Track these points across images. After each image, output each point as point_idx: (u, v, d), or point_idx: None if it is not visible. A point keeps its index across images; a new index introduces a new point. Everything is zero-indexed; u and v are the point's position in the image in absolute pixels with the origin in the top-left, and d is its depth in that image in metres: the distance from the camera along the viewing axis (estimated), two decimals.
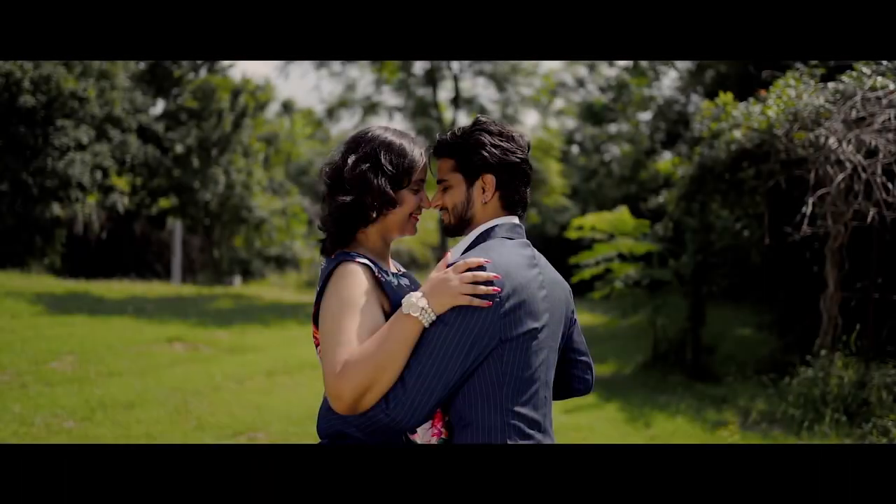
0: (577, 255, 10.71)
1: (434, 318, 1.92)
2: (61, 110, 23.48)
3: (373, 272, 2.08)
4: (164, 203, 27.72)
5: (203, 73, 30.00)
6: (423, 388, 1.88)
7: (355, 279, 2.03)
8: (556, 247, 22.66)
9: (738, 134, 8.65)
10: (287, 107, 42.41)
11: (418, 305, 1.91)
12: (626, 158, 23.65)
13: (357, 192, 2.12)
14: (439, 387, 1.89)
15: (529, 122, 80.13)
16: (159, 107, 29.89)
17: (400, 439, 2.01)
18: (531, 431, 1.99)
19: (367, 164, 2.13)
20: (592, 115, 26.94)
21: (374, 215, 2.15)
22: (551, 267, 2.21)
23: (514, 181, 2.15)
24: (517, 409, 1.98)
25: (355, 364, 1.88)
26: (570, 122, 30.58)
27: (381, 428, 1.90)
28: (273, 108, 39.94)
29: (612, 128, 26.25)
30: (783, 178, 8.42)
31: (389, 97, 21.59)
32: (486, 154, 2.11)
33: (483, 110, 20.97)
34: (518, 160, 2.13)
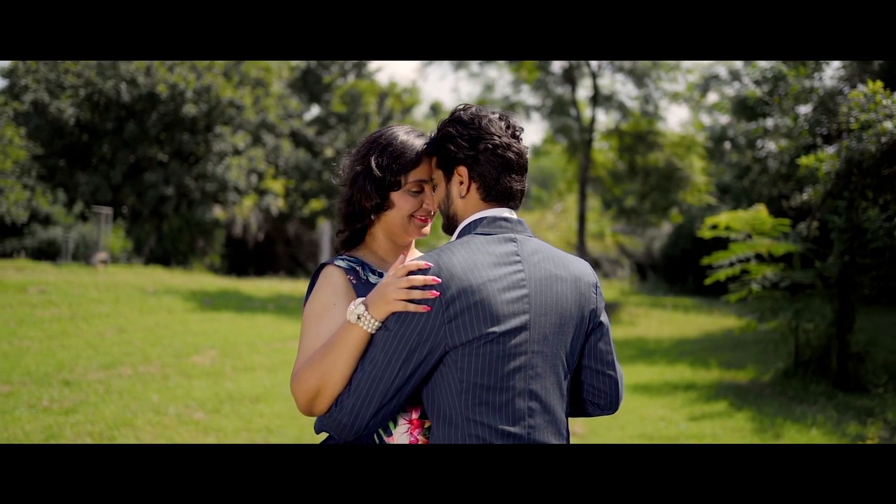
0: (711, 256, 10.18)
1: (377, 324, 1.87)
2: (220, 118, 24.91)
3: (346, 275, 2.06)
4: (315, 205, 28.87)
5: (351, 78, 31.00)
6: (362, 394, 1.84)
7: (328, 283, 2.04)
8: (706, 247, 21.76)
9: (889, 125, 7.98)
10: (435, 109, 43.25)
11: (356, 313, 1.87)
12: (782, 154, 22.38)
13: (349, 194, 2.13)
14: (378, 393, 1.84)
15: (673, 119, 77.28)
16: (314, 111, 31.14)
17: (371, 441, 1.97)
18: (499, 444, 1.86)
19: (360, 167, 2.12)
20: (745, 109, 25.68)
21: (367, 217, 2.14)
22: (559, 262, 2.01)
23: (491, 170, 1.99)
24: (480, 419, 1.85)
25: (304, 370, 1.90)
26: (723, 118, 29.34)
27: (338, 430, 1.88)
28: (422, 110, 40.78)
29: (768, 122, 24.93)
30: None
31: (528, 97, 21.45)
32: (453, 146, 2.00)
33: (622, 107, 20.44)
34: (490, 146, 1.98)
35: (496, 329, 1.85)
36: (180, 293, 16.05)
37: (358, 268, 2.10)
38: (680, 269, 26.21)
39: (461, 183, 2.02)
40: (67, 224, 24.64)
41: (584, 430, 7.35)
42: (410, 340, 1.83)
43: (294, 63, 30.09)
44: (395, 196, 2.11)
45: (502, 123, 2.02)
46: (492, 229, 1.98)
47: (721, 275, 9.98)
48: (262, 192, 27.36)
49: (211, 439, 6.57)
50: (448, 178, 2.05)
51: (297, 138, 28.79)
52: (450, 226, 2.09)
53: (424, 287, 1.84)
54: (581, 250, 20.42)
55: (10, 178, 19.60)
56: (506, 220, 2.01)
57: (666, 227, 27.86)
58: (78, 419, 6.82)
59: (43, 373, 8.39)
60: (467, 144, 1.99)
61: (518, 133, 2.05)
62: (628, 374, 10.86)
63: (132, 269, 21.29)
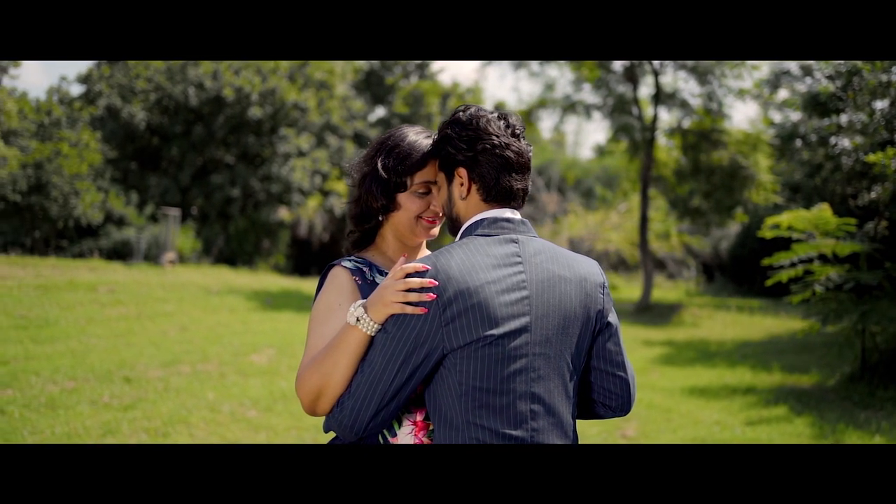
0: (772, 257, 9.87)
1: (376, 326, 1.87)
2: (285, 120, 25.32)
3: (351, 276, 2.08)
4: None
5: (414, 79, 31.20)
6: (360, 396, 1.85)
7: (334, 284, 2.07)
8: (774, 247, 21.16)
9: None
10: (498, 108, 43.20)
11: (355, 315, 1.88)
12: (857, 151, 21.62)
13: (357, 195, 2.16)
14: (376, 395, 1.85)
15: (741, 116, 75.59)
16: (378, 112, 31.41)
17: (376, 441, 1.98)
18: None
19: (367, 168, 2.14)
20: (818, 105, 24.85)
21: (375, 219, 2.16)
22: (564, 262, 1.99)
23: (491, 170, 1.98)
24: (481, 422, 1.85)
25: (307, 371, 1.92)
26: (794, 115, 28.46)
27: (340, 430, 1.89)
28: None
29: (842, 118, 24.13)
30: None
31: (589, 95, 21.20)
32: (451, 148, 2.00)
33: (685, 105, 20.04)
34: (489, 146, 1.97)
35: (495, 331, 1.84)
36: (243, 293, 16.38)
37: (364, 268, 2.12)
38: (747, 270, 25.58)
39: (461, 184, 2.02)
40: (140, 225, 25.41)
41: (635, 433, 7.25)
42: (408, 343, 1.84)
43: (358, 65, 30.42)
44: (402, 197, 2.12)
45: (501, 123, 2.00)
46: (493, 230, 1.97)
47: (783, 276, 9.67)
48: (326, 193, 27.74)
49: (261, 437, 6.69)
50: (449, 179, 2.06)
51: (360, 140, 29.11)
52: (453, 228, 2.10)
53: (421, 289, 1.84)
54: (643, 250, 20.10)
55: (86, 180, 20.33)
56: (508, 220, 2.00)
57: (734, 227, 27.23)
58: (136, 415, 7.02)
59: (106, 370, 8.67)
60: (465, 146, 1.99)
61: (518, 132, 2.03)
62: (686, 376, 10.65)
63: (199, 269, 21.83)
